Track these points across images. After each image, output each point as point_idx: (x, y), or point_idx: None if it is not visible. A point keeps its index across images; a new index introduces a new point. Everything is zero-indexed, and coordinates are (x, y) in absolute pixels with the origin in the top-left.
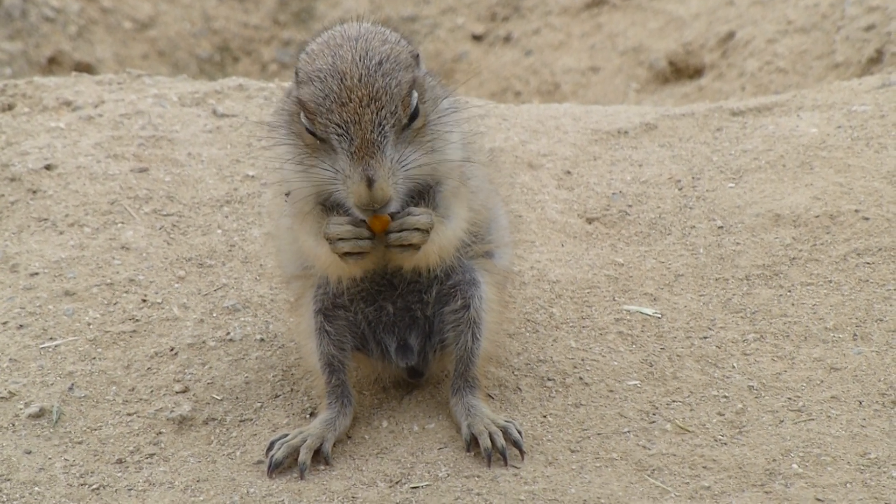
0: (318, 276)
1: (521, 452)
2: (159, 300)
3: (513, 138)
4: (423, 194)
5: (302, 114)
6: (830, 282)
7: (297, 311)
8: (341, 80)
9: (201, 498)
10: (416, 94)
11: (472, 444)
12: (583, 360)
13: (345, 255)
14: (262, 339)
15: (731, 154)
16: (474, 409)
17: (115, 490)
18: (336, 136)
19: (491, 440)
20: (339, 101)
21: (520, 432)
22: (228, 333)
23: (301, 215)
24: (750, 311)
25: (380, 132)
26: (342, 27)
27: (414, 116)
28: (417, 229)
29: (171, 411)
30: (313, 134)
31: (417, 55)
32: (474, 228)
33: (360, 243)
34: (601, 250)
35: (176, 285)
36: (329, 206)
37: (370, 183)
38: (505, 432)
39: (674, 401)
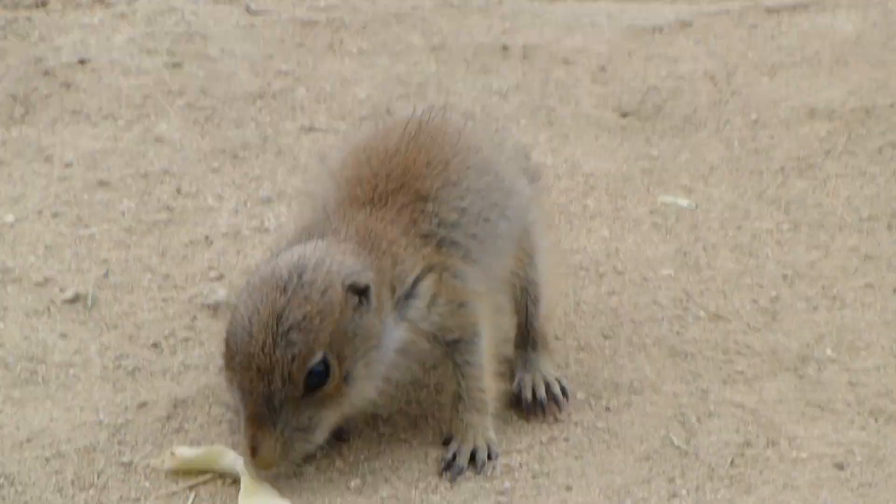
0: None
1: (560, 407)
2: (193, 190)
3: (547, 35)
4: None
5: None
6: (865, 173)
7: None
8: (248, 343)
9: None
10: (322, 362)
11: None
12: (616, 250)
13: None
14: None
15: (766, 50)
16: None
17: (150, 373)
18: (236, 396)
19: (532, 393)
20: (240, 367)
21: (564, 390)
22: (263, 223)
23: None
24: (784, 202)
25: (269, 406)
26: (286, 257)
27: (318, 384)
28: None
29: (206, 297)
30: None
31: (365, 288)
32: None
33: None
34: (635, 143)
35: (210, 176)
36: None
37: (254, 452)
38: (548, 387)
39: (707, 289)
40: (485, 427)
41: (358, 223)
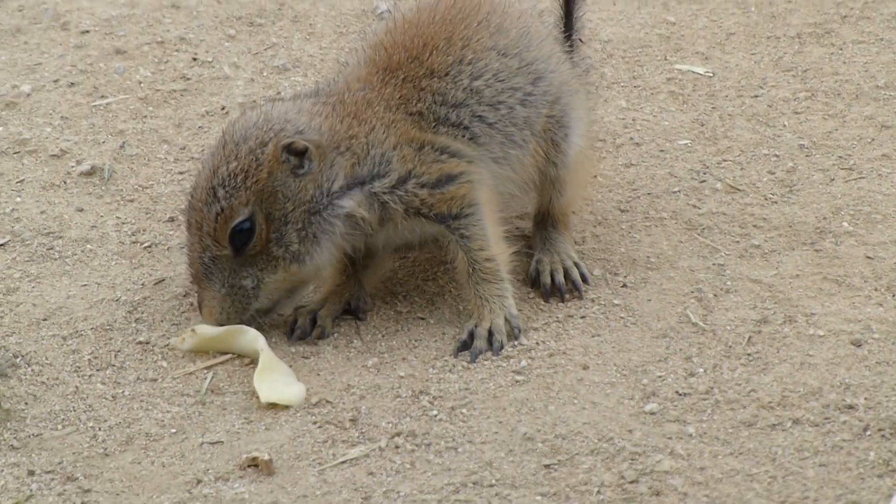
0: None
1: (579, 293)
2: (209, 59)
3: None
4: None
5: None
6: (882, 39)
7: None
8: (191, 196)
9: None
10: (247, 220)
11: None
12: (634, 119)
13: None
14: None
15: None
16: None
17: (167, 248)
18: (185, 251)
19: (551, 278)
20: (185, 221)
21: (584, 276)
22: (279, 93)
23: None
24: (801, 70)
25: (202, 264)
26: (252, 113)
27: (244, 242)
28: None
29: None
30: None
31: (304, 151)
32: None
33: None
34: (653, 9)
35: (226, 44)
36: None
37: (200, 307)
38: (567, 272)
39: (725, 160)
40: (502, 297)
41: (352, 88)
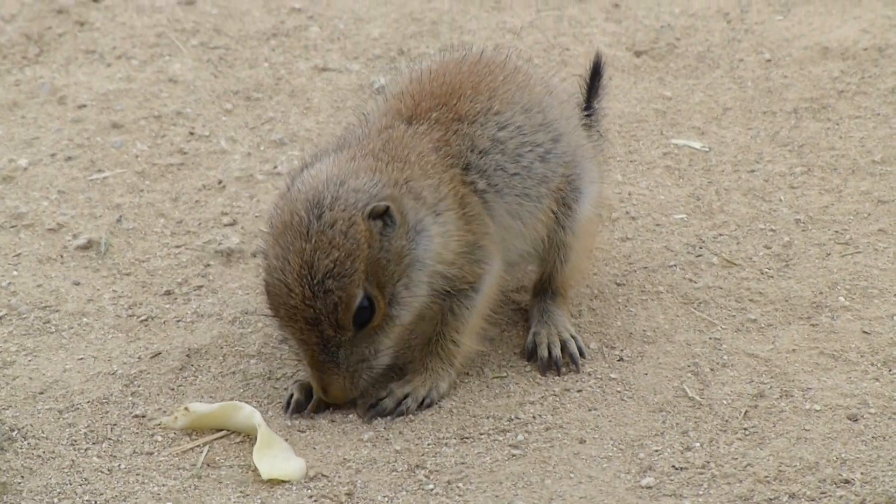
0: None
1: (576, 366)
2: (206, 133)
3: None
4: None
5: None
6: (878, 114)
7: None
8: (287, 296)
9: (249, 330)
10: (365, 299)
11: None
12: (630, 194)
13: None
14: None
15: None
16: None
17: (164, 321)
18: (292, 343)
19: (548, 351)
20: (287, 318)
21: (581, 349)
22: (276, 167)
23: None
24: (797, 145)
25: (324, 351)
26: (302, 190)
27: (367, 320)
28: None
29: (220, 244)
30: None
31: (385, 210)
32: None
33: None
34: (649, 84)
35: (223, 118)
36: None
37: (325, 392)
38: (564, 345)
39: (721, 234)
40: (440, 377)
41: (391, 134)
